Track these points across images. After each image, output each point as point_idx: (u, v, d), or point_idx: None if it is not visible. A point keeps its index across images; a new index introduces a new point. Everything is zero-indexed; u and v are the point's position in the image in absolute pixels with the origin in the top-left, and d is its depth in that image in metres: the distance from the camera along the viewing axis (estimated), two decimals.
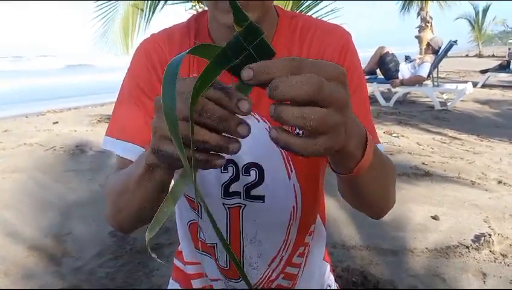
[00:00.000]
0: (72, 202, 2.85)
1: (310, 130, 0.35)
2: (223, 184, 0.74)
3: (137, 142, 0.71)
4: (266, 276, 0.83)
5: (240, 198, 0.76)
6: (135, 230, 0.68)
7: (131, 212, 0.61)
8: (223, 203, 0.77)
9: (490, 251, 2.09)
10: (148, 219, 0.58)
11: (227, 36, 0.71)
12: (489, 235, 2.23)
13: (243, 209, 0.77)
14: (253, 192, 0.75)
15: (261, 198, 0.75)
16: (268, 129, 0.73)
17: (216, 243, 0.82)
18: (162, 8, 5.01)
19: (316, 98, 0.34)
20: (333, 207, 2.59)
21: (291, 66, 0.35)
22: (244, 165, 0.73)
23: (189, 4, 4.87)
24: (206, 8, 0.73)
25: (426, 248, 2.14)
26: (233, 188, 0.74)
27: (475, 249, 2.11)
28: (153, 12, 5.02)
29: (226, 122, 0.38)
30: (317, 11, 4.02)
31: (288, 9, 3.69)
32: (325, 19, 3.86)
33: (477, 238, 2.22)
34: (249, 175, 0.74)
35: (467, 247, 2.13)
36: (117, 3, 4.98)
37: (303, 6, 3.97)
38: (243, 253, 0.81)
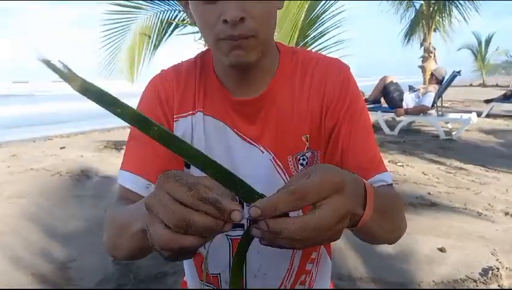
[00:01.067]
0: (76, 229, 2.85)
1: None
2: None
3: (137, 172, 0.72)
4: None
5: (244, 230, 0.76)
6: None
7: (124, 253, 0.65)
8: (226, 235, 0.77)
9: (498, 286, 2.05)
10: (139, 258, 0.67)
11: (230, 74, 0.75)
12: (497, 268, 2.19)
13: None
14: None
15: None
16: (272, 160, 0.75)
17: (220, 273, 0.82)
18: (168, 36, 5.06)
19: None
20: None
21: (294, 199, 0.41)
22: None
23: (199, 34, 4.97)
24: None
25: (433, 281, 2.10)
26: None
27: (483, 283, 2.07)
28: (160, 41, 5.10)
29: (214, 232, 0.41)
30: (323, 42, 4.08)
31: (294, 40, 3.77)
32: (330, 50, 3.96)
33: (485, 271, 2.18)
34: None
35: (475, 281, 2.09)
36: (125, 32, 5.06)
37: (308, 38, 4.05)
38: (246, 287, 0.81)
